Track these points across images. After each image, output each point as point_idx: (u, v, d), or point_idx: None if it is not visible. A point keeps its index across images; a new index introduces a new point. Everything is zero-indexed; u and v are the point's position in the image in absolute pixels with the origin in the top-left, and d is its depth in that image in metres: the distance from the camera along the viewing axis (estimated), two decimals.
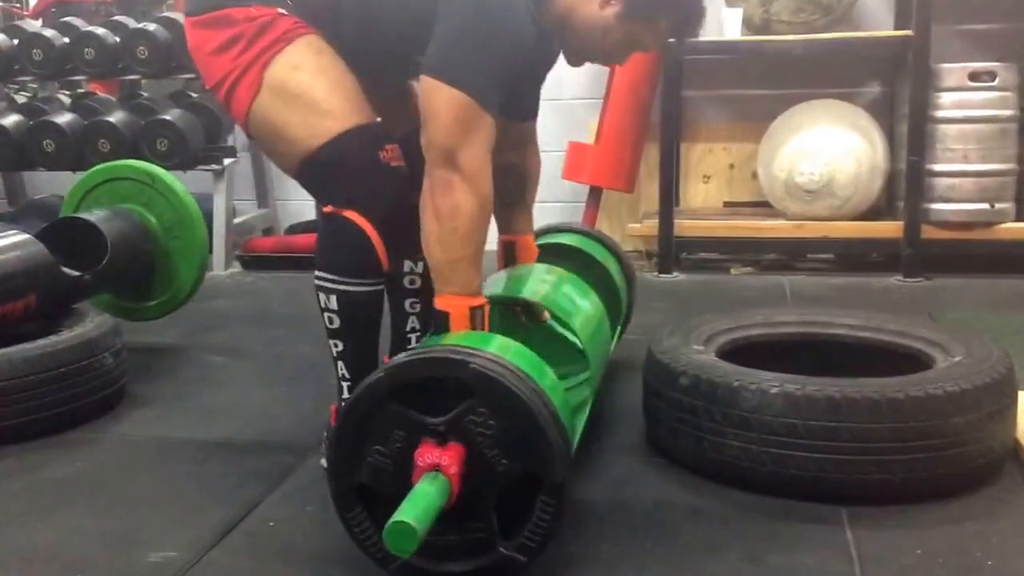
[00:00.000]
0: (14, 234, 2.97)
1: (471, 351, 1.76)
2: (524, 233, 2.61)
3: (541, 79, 2.47)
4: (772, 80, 4.62)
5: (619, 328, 3.01)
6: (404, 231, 2.14)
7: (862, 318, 2.62)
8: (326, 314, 2.18)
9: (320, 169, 2.11)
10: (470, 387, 1.73)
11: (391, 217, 2.13)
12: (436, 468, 1.70)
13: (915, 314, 3.58)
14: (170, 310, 3.46)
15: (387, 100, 2.33)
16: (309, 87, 2.09)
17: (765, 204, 4.56)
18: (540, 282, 2.50)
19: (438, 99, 1.96)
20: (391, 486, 1.73)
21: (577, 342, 2.41)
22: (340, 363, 2.22)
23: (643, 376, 2.41)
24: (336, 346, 2.20)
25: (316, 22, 2.16)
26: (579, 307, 2.47)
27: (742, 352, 2.49)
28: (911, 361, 2.37)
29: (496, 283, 2.42)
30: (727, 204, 4.79)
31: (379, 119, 2.22)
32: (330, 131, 2.08)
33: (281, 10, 2.13)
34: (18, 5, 8.05)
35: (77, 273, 3.06)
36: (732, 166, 4.77)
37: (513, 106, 2.24)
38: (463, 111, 1.96)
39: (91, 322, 2.83)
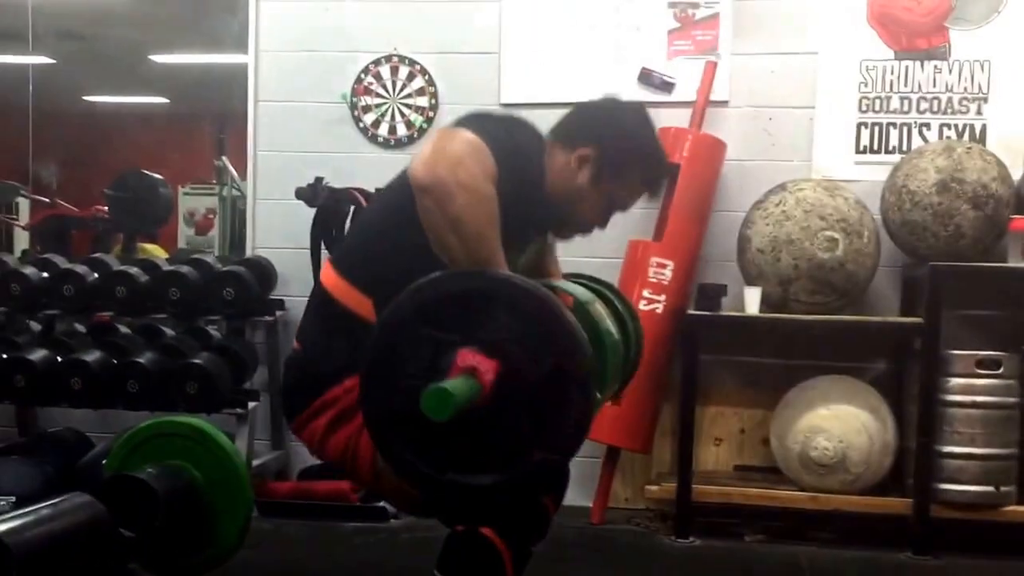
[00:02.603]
0: (75, 495, 3.02)
1: (485, 269, 1.86)
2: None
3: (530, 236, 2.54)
4: (784, 350, 4.80)
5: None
6: None
7: None
8: None
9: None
10: (488, 297, 1.78)
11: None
12: (472, 369, 1.77)
13: None
14: (211, 568, 3.49)
15: None
16: None
17: (775, 470, 4.68)
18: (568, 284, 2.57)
19: (435, 134, 2.14)
20: None
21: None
22: None
23: None
24: None
25: None
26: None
27: None
28: None
29: None
30: (737, 468, 4.90)
31: None
32: None
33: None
34: (14, 217, 8.22)
35: (131, 534, 3.11)
36: (743, 431, 4.90)
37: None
38: (458, 135, 2.09)
39: None
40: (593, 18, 4.89)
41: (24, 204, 8.16)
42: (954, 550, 4.35)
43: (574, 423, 1.81)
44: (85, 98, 7.80)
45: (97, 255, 5.29)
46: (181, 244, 8.40)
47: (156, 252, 8.33)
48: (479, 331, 1.83)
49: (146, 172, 7.24)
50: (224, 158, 6.77)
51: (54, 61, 7.10)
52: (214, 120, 7.27)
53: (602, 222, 2.52)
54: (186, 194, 8.70)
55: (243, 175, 5.72)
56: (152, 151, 8.00)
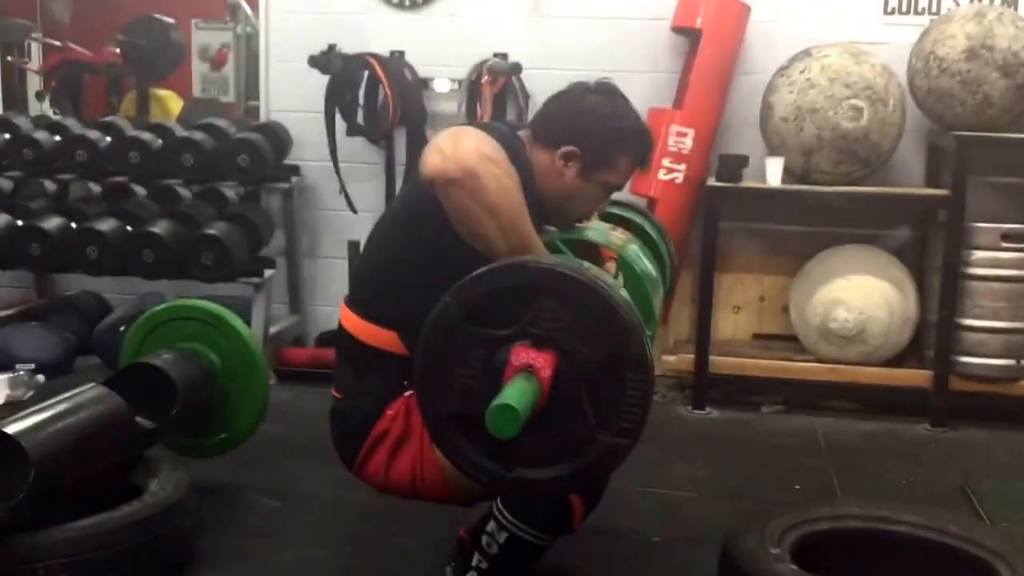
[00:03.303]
0: (91, 388, 3.02)
1: (526, 260, 1.87)
2: None
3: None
4: (806, 218, 4.72)
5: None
6: None
7: (925, 516, 2.71)
8: (485, 537, 2.32)
9: None
10: (534, 289, 1.80)
11: None
12: (528, 368, 1.79)
13: (948, 476, 3.73)
14: (226, 450, 3.52)
15: None
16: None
17: (794, 338, 4.67)
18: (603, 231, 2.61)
19: (435, 138, 2.09)
20: (483, 405, 1.78)
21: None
22: (475, 572, 2.39)
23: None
24: (481, 564, 2.36)
25: None
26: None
27: (811, 549, 2.58)
28: (975, 571, 2.49)
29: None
30: (756, 336, 4.89)
31: None
32: None
33: (407, 392, 2.30)
34: (26, 60, 8.13)
35: (150, 424, 3.12)
36: (762, 298, 4.87)
37: None
38: (465, 131, 2.10)
39: (168, 481, 2.88)
40: None
41: (36, 48, 8.09)
42: (971, 422, 4.37)
43: (637, 404, 1.80)
44: None
45: (110, 118, 5.20)
46: (195, 82, 8.32)
47: (170, 100, 8.26)
48: (529, 324, 1.82)
49: (157, 17, 7.12)
50: None
51: None
52: None
53: (603, 203, 2.50)
54: (199, 28, 8.58)
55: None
56: None
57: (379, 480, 2.45)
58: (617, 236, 2.72)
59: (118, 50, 7.14)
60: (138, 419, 3.06)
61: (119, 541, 2.62)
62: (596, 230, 2.68)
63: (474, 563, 2.39)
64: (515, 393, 1.73)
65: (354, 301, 2.47)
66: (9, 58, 7.91)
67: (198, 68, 8.66)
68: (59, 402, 2.86)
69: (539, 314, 1.81)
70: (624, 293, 2.21)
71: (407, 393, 2.33)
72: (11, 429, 2.61)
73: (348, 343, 2.45)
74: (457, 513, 2.71)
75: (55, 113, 7.82)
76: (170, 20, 7.05)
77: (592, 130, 2.38)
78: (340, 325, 2.51)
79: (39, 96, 7.93)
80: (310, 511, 3.36)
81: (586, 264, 2.08)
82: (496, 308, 1.84)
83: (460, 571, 2.57)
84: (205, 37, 8.80)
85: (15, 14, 7.73)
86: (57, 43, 7.98)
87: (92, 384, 3.04)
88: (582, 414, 1.81)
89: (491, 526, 2.33)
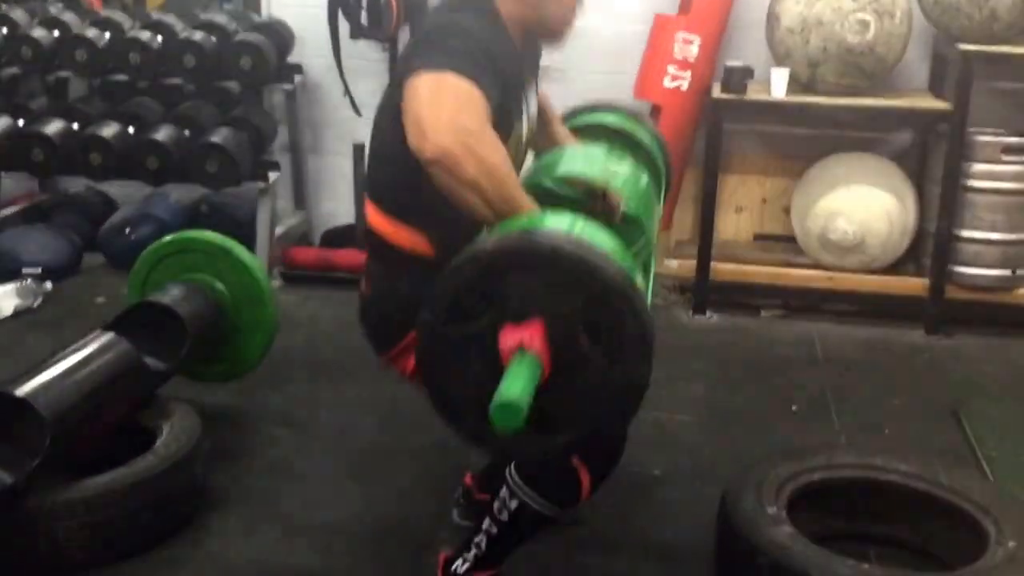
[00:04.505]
0: (99, 336, 3.07)
1: (476, 249, 1.89)
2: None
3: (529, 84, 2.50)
4: (809, 123, 4.70)
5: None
6: None
7: (917, 466, 2.81)
8: (497, 502, 2.37)
9: None
10: (497, 271, 1.85)
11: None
12: (520, 347, 1.82)
13: (941, 392, 3.83)
14: (233, 377, 3.60)
15: None
16: None
17: (793, 239, 4.70)
18: (603, 164, 2.57)
19: (413, 88, 2.04)
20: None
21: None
22: (484, 536, 2.43)
23: (718, 535, 2.63)
24: (491, 528, 2.40)
25: None
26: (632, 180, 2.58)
27: (807, 498, 2.73)
28: (963, 525, 2.63)
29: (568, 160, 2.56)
30: (757, 237, 4.92)
31: None
32: None
33: None
34: None
35: (161, 366, 3.19)
36: (764, 200, 4.89)
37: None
38: (442, 87, 2.02)
39: (181, 430, 2.96)
40: None
41: None
42: (966, 330, 4.44)
43: (637, 348, 1.82)
44: None
45: (109, 16, 5.12)
46: None
47: None
48: (505, 304, 1.83)
49: None
50: None
51: None
52: None
53: (576, 10, 2.43)
54: None
55: None
56: None
57: (405, 375, 2.45)
58: (611, 167, 2.62)
59: None
60: (148, 360, 3.12)
61: (135, 496, 2.72)
62: (590, 157, 2.64)
63: (485, 526, 2.46)
64: (510, 385, 1.75)
65: (376, 198, 2.42)
66: None
67: None
68: (68, 355, 2.91)
69: (511, 291, 1.82)
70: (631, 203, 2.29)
71: None
72: (22, 390, 2.67)
73: (376, 241, 2.41)
74: (464, 455, 2.81)
75: None
76: None
77: None
78: (368, 224, 2.44)
79: None
80: (316, 441, 3.44)
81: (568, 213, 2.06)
82: (474, 299, 1.86)
83: (467, 518, 2.68)
84: None
85: None
86: None
87: (99, 331, 3.08)
88: (589, 361, 1.83)
89: (503, 491, 2.37)
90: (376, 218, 2.37)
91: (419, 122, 2.00)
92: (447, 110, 1.99)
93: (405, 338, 2.31)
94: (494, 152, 2.00)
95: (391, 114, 2.18)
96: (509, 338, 1.83)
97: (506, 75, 2.19)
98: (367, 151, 2.47)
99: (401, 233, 2.32)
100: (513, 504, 2.36)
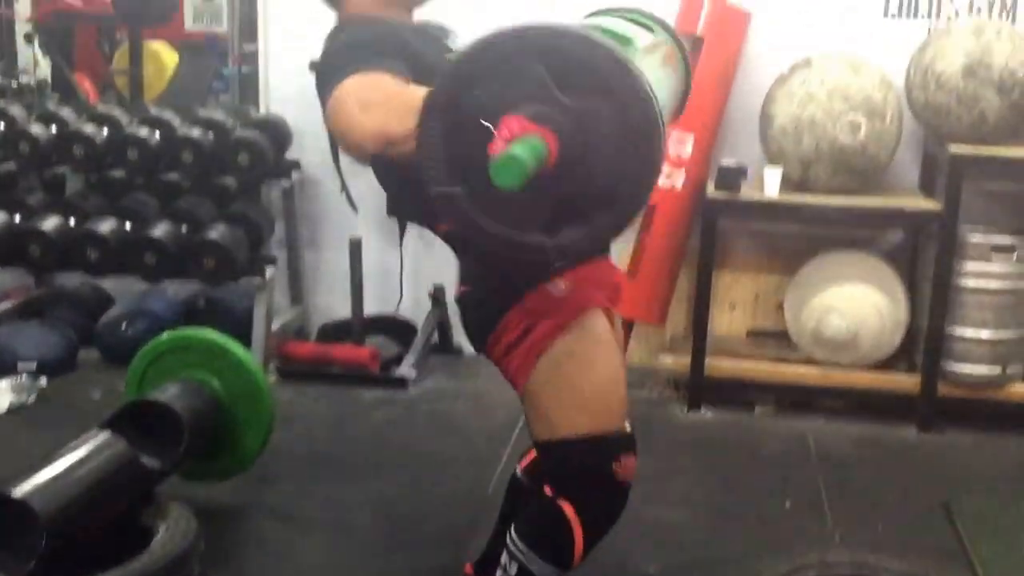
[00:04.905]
0: (95, 435, 3.06)
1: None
2: None
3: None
4: (802, 221, 4.74)
5: None
6: None
7: (908, 565, 2.84)
8: (500, 571, 2.35)
9: (556, 455, 2.28)
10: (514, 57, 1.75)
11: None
12: (513, 136, 1.70)
13: (933, 488, 3.83)
14: (229, 476, 3.59)
15: None
16: (577, 378, 2.26)
17: (785, 334, 4.73)
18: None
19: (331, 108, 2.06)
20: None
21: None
22: None
23: None
24: None
25: None
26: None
27: None
28: None
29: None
30: (751, 333, 4.96)
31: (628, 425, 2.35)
32: (578, 428, 2.23)
33: (552, 290, 2.24)
34: (11, 9, 8.08)
35: (157, 465, 3.19)
36: (758, 296, 4.94)
37: None
38: (352, 91, 2.02)
39: (178, 529, 2.94)
40: None
41: None
42: (958, 427, 4.46)
43: (647, 132, 1.71)
44: None
45: (107, 111, 5.20)
46: (187, 13, 8.30)
47: (163, 53, 8.26)
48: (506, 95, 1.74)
49: None
50: None
51: None
52: None
53: None
54: None
55: None
56: None
57: (510, 376, 2.38)
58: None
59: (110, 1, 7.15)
60: (144, 460, 3.12)
61: None
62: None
63: None
64: (519, 147, 1.66)
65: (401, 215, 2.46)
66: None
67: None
68: (64, 455, 2.90)
69: (509, 81, 1.73)
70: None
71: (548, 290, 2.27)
72: (19, 492, 2.66)
73: (450, 240, 2.39)
74: (463, 547, 2.83)
75: (44, 55, 7.84)
76: None
77: None
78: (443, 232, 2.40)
79: (27, 38, 7.91)
80: (313, 538, 3.42)
81: None
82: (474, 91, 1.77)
83: None
84: None
85: None
86: None
87: (96, 430, 3.08)
88: (597, 161, 1.74)
89: (504, 558, 2.37)
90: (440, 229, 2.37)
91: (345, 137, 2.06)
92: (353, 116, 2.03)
93: (511, 317, 2.28)
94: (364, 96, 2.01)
95: None
96: (505, 128, 1.72)
97: (400, 37, 2.22)
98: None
99: None
100: (513, 569, 2.35)
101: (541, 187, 1.71)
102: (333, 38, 2.36)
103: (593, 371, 2.27)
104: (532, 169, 1.63)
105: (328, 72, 2.15)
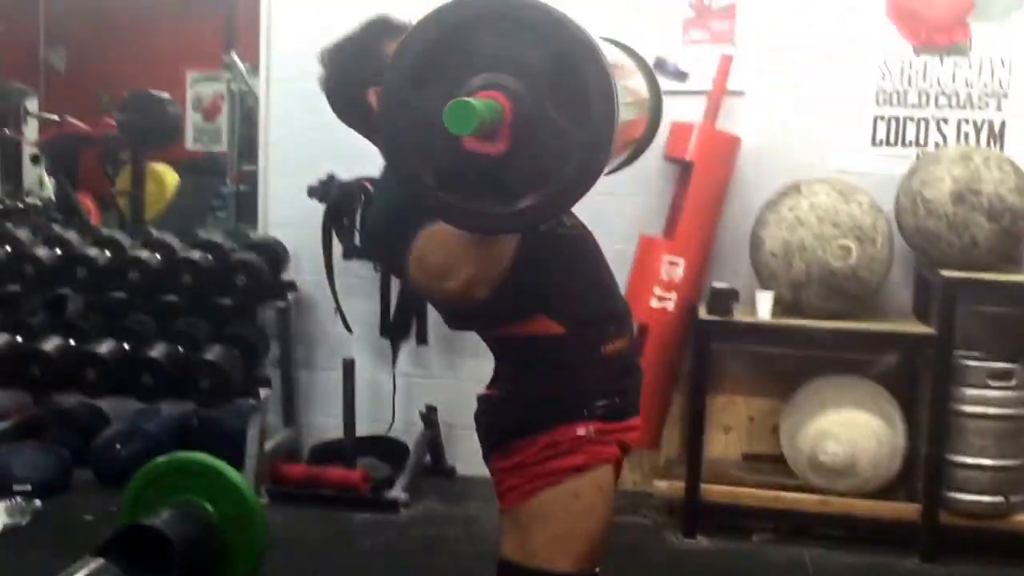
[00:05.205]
0: (88, 562, 3.06)
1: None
2: None
3: None
4: (795, 344, 4.76)
5: None
6: None
7: None
8: None
9: None
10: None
11: None
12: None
13: None
14: None
15: None
16: (575, 519, 2.27)
17: (781, 459, 4.71)
18: None
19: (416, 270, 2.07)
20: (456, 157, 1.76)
21: None
22: None
23: None
24: None
25: None
26: None
27: None
28: None
29: None
30: (746, 456, 4.94)
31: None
32: (555, 564, 2.25)
33: (582, 430, 2.26)
34: (21, 134, 8.22)
35: None
36: (752, 419, 4.93)
37: None
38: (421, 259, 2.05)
39: None
40: (609, 4, 4.78)
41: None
42: (961, 557, 4.40)
43: (601, 105, 1.74)
44: None
45: (110, 234, 5.28)
46: (188, 134, 8.43)
47: (165, 174, 8.38)
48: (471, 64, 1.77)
49: (154, 93, 7.24)
50: (233, 53, 6.72)
51: None
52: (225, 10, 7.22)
53: None
54: (194, 81, 8.70)
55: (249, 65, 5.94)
56: (160, 35, 7.98)
57: (503, 501, 2.38)
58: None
59: (114, 121, 7.28)
60: None
61: None
62: None
63: None
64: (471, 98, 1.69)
65: (479, 324, 2.39)
66: (6, 130, 8.02)
67: (191, 119, 8.79)
68: None
69: (473, 49, 1.76)
70: None
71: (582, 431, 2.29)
72: None
73: (502, 345, 2.37)
74: None
75: (49, 176, 7.95)
76: (166, 95, 7.19)
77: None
78: (486, 337, 2.40)
79: (34, 159, 8.02)
80: None
81: None
82: (435, 62, 1.79)
83: None
84: (199, 88, 8.92)
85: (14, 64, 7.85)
86: (55, 117, 8.09)
87: (88, 557, 3.07)
88: (553, 123, 1.76)
89: None
90: (487, 333, 2.37)
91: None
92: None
93: (535, 439, 2.27)
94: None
95: None
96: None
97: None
98: None
99: (526, 326, 2.30)
100: None
101: (505, 158, 1.75)
102: (385, 187, 2.36)
103: (591, 517, 2.28)
104: (484, 116, 1.66)
105: (393, 226, 2.16)
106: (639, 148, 2.66)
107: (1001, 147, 4.62)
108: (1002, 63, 4.61)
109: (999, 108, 4.63)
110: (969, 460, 4.32)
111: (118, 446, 4.98)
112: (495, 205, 1.80)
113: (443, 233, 1.96)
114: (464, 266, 1.98)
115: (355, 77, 2.30)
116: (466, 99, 1.66)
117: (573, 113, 1.75)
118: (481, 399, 2.43)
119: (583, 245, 2.41)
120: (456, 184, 1.80)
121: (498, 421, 2.39)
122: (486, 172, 1.77)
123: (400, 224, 2.10)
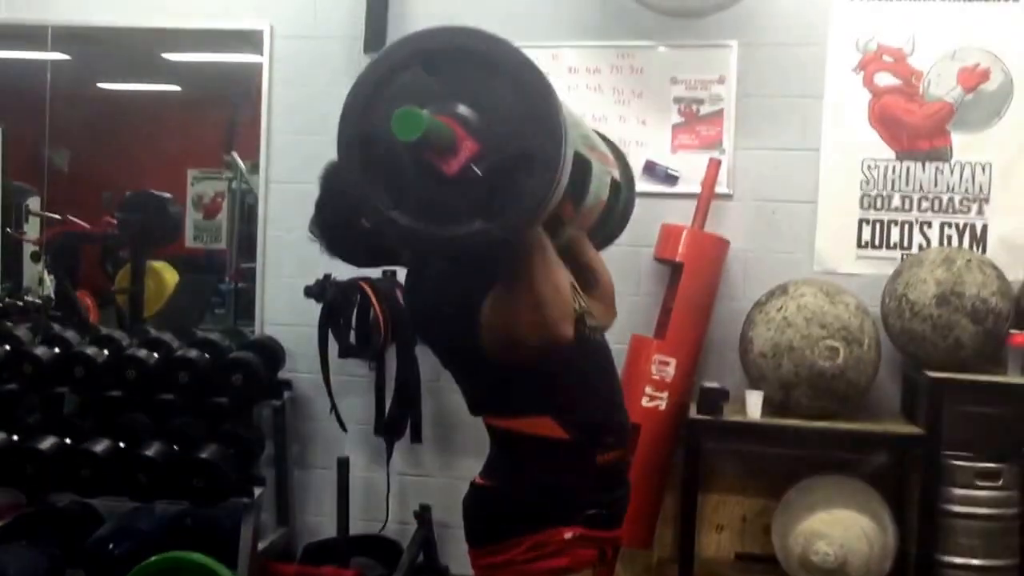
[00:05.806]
0: None
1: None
2: None
3: None
4: (786, 443, 4.81)
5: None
6: None
7: None
8: None
9: None
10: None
11: None
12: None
13: None
14: None
15: None
16: None
17: (774, 559, 4.72)
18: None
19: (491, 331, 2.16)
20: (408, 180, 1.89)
21: None
22: None
23: None
24: None
25: None
26: None
27: None
28: None
29: None
30: (739, 556, 4.95)
31: None
32: None
33: (569, 534, 2.35)
34: (23, 232, 8.28)
35: None
36: (744, 518, 4.95)
37: None
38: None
39: None
40: (600, 111, 4.90)
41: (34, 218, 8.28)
42: None
43: (545, 130, 1.88)
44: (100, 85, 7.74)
45: (108, 333, 5.34)
46: (188, 231, 8.51)
47: (164, 272, 8.43)
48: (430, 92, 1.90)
49: (155, 192, 7.33)
50: (234, 153, 6.82)
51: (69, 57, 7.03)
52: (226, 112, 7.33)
53: None
54: (194, 179, 8.80)
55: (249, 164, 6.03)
56: (162, 136, 8.08)
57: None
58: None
59: (114, 220, 7.37)
60: None
61: None
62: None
63: None
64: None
65: (486, 410, 2.46)
66: (8, 230, 8.09)
67: (191, 217, 8.87)
68: None
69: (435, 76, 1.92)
70: None
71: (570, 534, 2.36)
72: None
73: (503, 437, 2.44)
74: None
75: (49, 274, 8.00)
76: (167, 195, 7.29)
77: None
78: (488, 425, 2.48)
79: (34, 257, 8.08)
80: None
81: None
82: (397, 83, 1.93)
83: None
84: (200, 187, 9.02)
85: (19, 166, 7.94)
86: (57, 216, 8.17)
87: None
88: (503, 153, 1.88)
89: None
90: (499, 422, 2.43)
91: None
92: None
93: (522, 540, 2.33)
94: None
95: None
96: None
97: None
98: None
99: (532, 425, 2.36)
100: None
101: (466, 178, 1.87)
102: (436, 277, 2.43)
103: None
104: (429, 123, 1.78)
105: (455, 304, 2.27)
106: (614, 220, 2.85)
107: (983, 250, 4.71)
108: (982, 169, 4.72)
109: (980, 212, 4.73)
110: (958, 560, 4.35)
111: (111, 545, 4.97)
112: (444, 227, 1.91)
113: (501, 293, 2.12)
114: (538, 313, 2.11)
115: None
116: (414, 108, 1.79)
117: (523, 146, 1.88)
118: (474, 486, 2.49)
119: (606, 354, 2.52)
120: (408, 204, 1.91)
121: (488, 513, 2.45)
122: (438, 196, 1.89)
123: (464, 299, 2.21)
